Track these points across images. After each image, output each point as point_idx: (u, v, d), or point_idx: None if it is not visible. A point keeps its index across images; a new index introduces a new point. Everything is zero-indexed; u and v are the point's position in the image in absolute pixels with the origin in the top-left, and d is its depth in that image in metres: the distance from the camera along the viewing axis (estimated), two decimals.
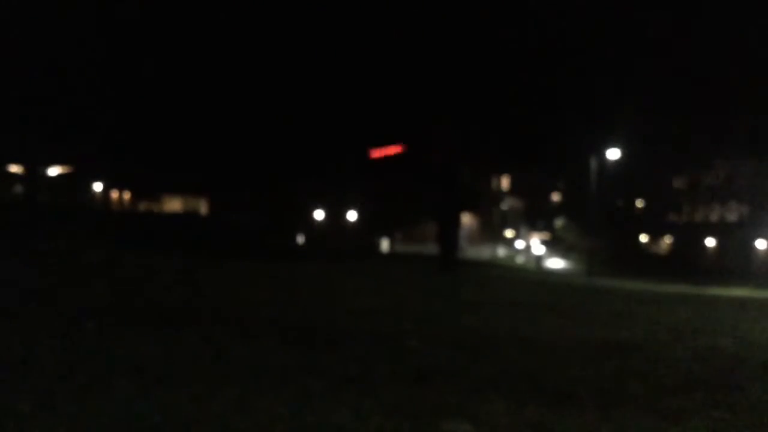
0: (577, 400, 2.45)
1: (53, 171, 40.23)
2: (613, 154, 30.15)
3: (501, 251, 51.64)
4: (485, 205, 53.81)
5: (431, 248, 10.03)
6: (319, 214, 53.92)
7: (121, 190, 51.30)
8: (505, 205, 59.79)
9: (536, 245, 50.98)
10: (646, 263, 42.16)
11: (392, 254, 35.66)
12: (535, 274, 20.01)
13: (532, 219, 58.25)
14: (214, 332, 3.31)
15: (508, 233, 58.32)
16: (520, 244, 54.81)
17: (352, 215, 54.54)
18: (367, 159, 49.11)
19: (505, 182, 62.73)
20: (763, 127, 39.48)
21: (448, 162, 9.63)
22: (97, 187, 47.12)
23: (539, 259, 45.40)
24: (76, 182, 43.15)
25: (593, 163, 28.64)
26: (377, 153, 10.66)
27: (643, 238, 55.62)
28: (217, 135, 47.84)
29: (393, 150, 10.52)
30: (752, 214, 46.64)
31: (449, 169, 9.58)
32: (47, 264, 6.49)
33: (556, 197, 61.36)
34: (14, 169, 38.95)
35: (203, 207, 53.91)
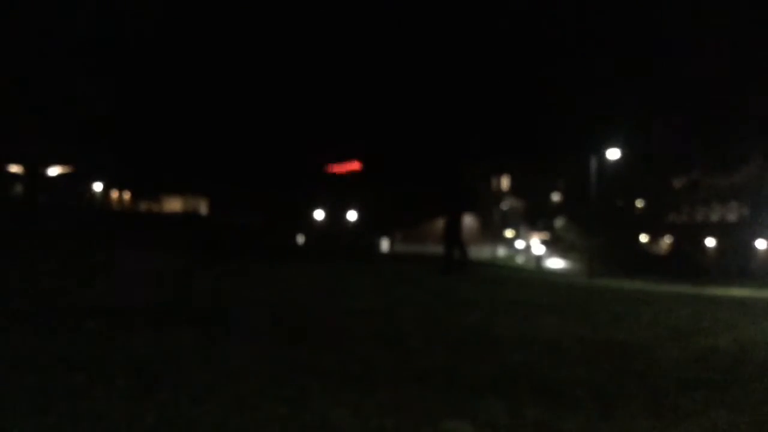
0: (577, 400, 2.45)
1: (53, 171, 40.21)
2: (613, 154, 30.17)
3: (501, 251, 51.69)
4: (485, 205, 53.84)
5: (431, 248, 10.03)
6: (319, 214, 53.92)
7: (121, 190, 51.33)
8: (505, 205, 59.85)
9: (536, 245, 51.03)
10: (646, 263, 42.12)
11: (392, 254, 35.65)
12: (535, 274, 20.01)
13: (532, 219, 58.26)
14: (214, 332, 3.31)
15: (508, 233, 58.36)
16: (520, 244, 54.86)
17: (352, 215, 54.54)
18: (366, 160, 49.13)
19: (505, 182, 62.78)
20: (764, 127, 39.42)
21: (450, 161, 9.62)
22: (97, 187, 47.14)
23: (539, 259, 45.45)
24: (76, 182, 43.15)
25: (593, 163, 28.65)
26: (335, 168, 10.47)
27: (643, 238, 55.61)
28: (218, 136, 47.83)
29: (350, 167, 10.39)
30: (752, 214, 46.59)
31: (452, 168, 9.55)
32: (47, 264, 6.49)
33: (556, 197, 61.34)
34: (14, 169, 38.94)
35: (203, 207, 53.91)
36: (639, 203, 56.98)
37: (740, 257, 44.12)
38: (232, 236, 26.46)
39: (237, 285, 5.78)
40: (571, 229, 49.48)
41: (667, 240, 55.61)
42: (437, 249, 10.16)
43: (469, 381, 2.62)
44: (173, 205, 52.30)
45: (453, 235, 9.38)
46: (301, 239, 43.38)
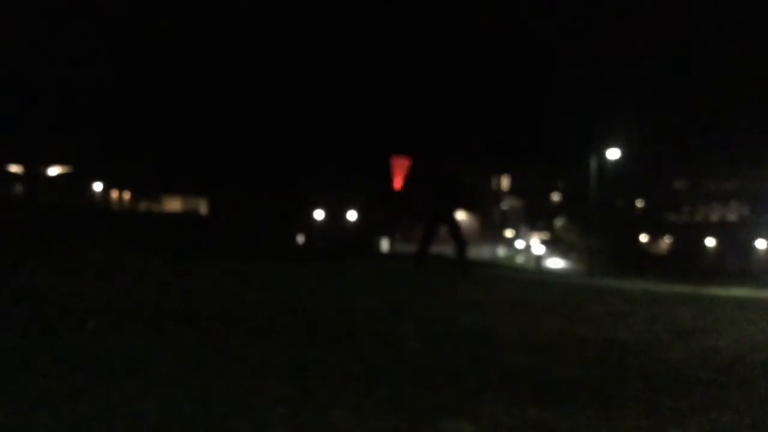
0: (577, 400, 2.45)
1: (53, 171, 40.16)
2: (613, 154, 30.20)
3: (501, 251, 51.73)
4: (485, 205, 53.85)
5: (431, 248, 9.94)
6: (319, 214, 53.92)
7: (121, 190, 51.34)
8: (505, 205, 59.89)
9: (536, 245, 51.08)
10: (646, 263, 42.12)
11: (392, 254, 35.65)
12: (535, 274, 20.01)
13: (532, 219, 58.33)
14: (214, 332, 3.31)
15: (508, 233, 58.38)
16: (520, 244, 54.92)
17: (352, 215, 54.56)
18: (367, 159, 49.08)
19: (505, 182, 62.82)
20: (763, 127, 39.47)
21: (445, 160, 9.58)
22: (97, 187, 47.14)
23: (539, 259, 45.51)
24: (76, 182, 43.15)
25: (593, 163, 28.68)
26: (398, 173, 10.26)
27: (643, 238, 55.64)
28: (218, 135, 47.84)
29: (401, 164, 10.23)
30: (752, 214, 46.62)
31: (446, 166, 9.52)
32: (47, 264, 6.48)
33: (556, 197, 61.38)
34: (14, 169, 38.92)
35: (203, 207, 53.92)
36: (639, 203, 57.01)
37: (740, 257, 44.14)
38: (231, 236, 26.47)
39: (237, 285, 5.77)
40: (571, 229, 49.50)
41: (667, 240, 55.63)
42: (437, 249, 10.11)
43: (469, 381, 2.62)
44: (173, 205, 52.27)
45: (430, 235, 9.34)
46: (301, 239, 43.36)
